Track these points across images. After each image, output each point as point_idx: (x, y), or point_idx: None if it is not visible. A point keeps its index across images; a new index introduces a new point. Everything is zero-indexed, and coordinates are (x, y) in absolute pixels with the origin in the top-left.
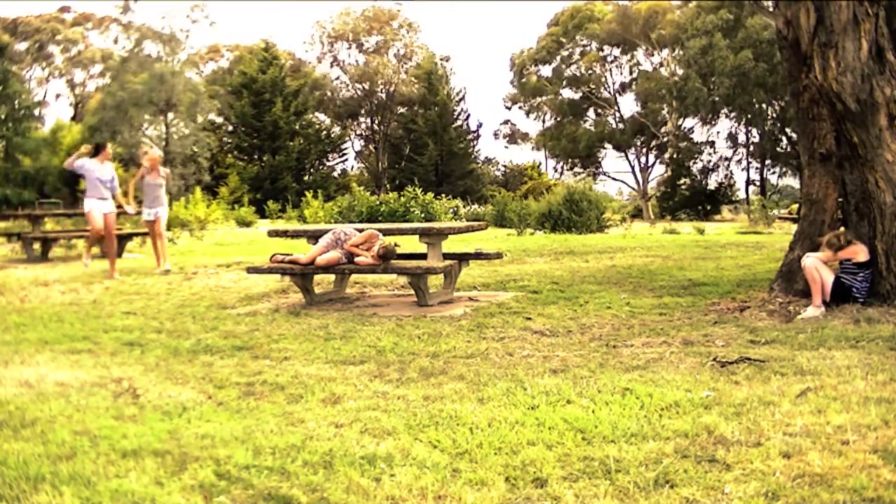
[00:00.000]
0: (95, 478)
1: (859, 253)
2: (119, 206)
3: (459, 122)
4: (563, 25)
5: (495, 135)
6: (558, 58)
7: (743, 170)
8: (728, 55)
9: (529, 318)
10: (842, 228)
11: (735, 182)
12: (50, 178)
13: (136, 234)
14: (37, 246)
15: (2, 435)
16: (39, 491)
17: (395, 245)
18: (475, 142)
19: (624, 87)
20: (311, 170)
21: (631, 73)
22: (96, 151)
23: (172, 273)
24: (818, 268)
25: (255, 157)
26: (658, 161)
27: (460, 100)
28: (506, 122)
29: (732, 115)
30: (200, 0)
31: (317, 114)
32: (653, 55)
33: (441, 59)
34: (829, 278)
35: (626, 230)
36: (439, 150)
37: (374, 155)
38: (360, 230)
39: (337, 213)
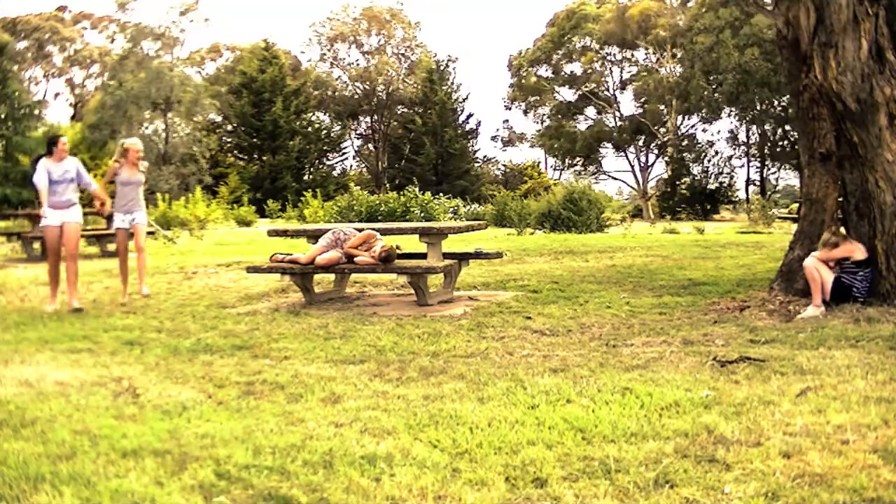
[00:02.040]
0: (95, 477)
1: (855, 251)
2: (101, 205)
3: (459, 122)
4: (560, 26)
5: (493, 138)
6: (556, 57)
7: (741, 166)
8: (733, 53)
9: (529, 318)
10: (837, 228)
11: (735, 182)
12: None
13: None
14: (36, 245)
15: (2, 435)
16: (39, 491)
17: (397, 247)
18: (474, 141)
19: (624, 84)
20: (311, 169)
21: (632, 75)
22: (49, 149)
23: (172, 272)
24: (818, 267)
25: (255, 156)
26: (658, 160)
27: (464, 100)
28: (505, 121)
29: (734, 113)
30: None
31: (317, 113)
32: (654, 55)
33: (449, 60)
34: (829, 278)
35: (625, 230)
36: (438, 149)
37: (373, 154)
38: (360, 230)
39: (336, 212)
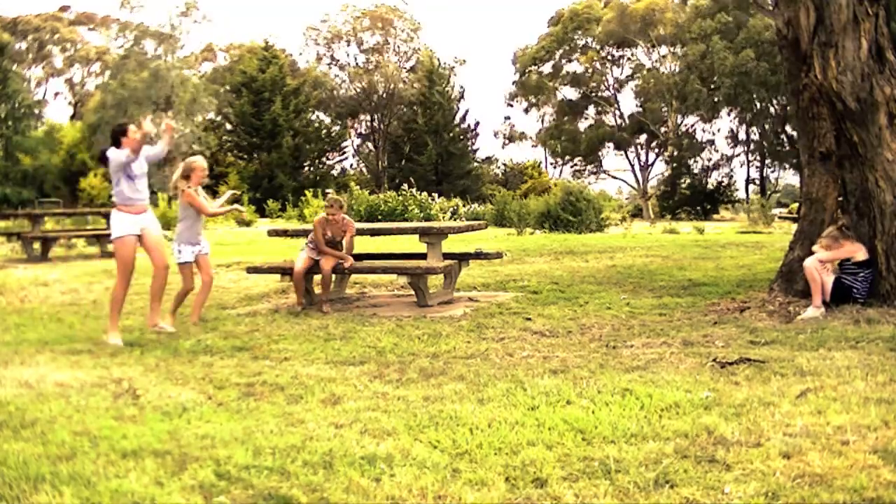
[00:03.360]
0: (95, 478)
1: (857, 251)
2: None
3: (459, 122)
4: (564, 24)
5: (495, 134)
6: (558, 55)
7: (742, 165)
8: (727, 56)
9: (529, 319)
10: (844, 224)
11: (735, 181)
12: (49, 178)
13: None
14: (37, 245)
15: (2, 435)
16: (39, 491)
17: (336, 193)
18: (474, 141)
19: (622, 85)
20: (311, 168)
21: (632, 73)
22: (117, 140)
23: (172, 273)
24: (818, 268)
25: (255, 155)
26: (658, 159)
27: (460, 99)
28: (506, 118)
29: (733, 113)
30: None
31: (317, 112)
32: (652, 54)
33: (456, 63)
34: (829, 279)
35: (625, 230)
36: (439, 149)
37: (373, 154)
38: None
39: None
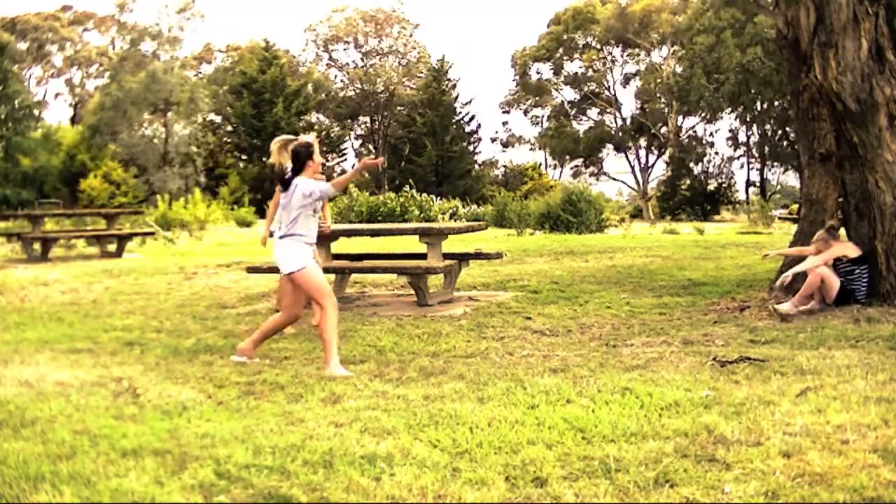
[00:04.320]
0: (95, 477)
1: (847, 250)
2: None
3: (459, 123)
4: (565, 23)
5: (492, 139)
6: (558, 55)
7: (741, 167)
8: (735, 52)
9: (529, 318)
10: (829, 223)
11: (735, 182)
12: (49, 179)
13: (136, 234)
14: (37, 246)
15: (2, 434)
16: (39, 490)
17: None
18: (475, 143)
19: (626, 81)
20: None
21: (632, 74)
22: (302, 164)
23: (172, 273)
24: (825, 275)
25: (256, 157)
26: (658, 160)
27: (467, 103)
28: (504, 123)
29: (734, 113)
30: None
31: (317, 114)
32: (651, 53)
33: (443, 63)
34: (836, 282)
35: (625, 230)
36: (439, 150)
37: (373, 155)
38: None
39: (336, 213)
